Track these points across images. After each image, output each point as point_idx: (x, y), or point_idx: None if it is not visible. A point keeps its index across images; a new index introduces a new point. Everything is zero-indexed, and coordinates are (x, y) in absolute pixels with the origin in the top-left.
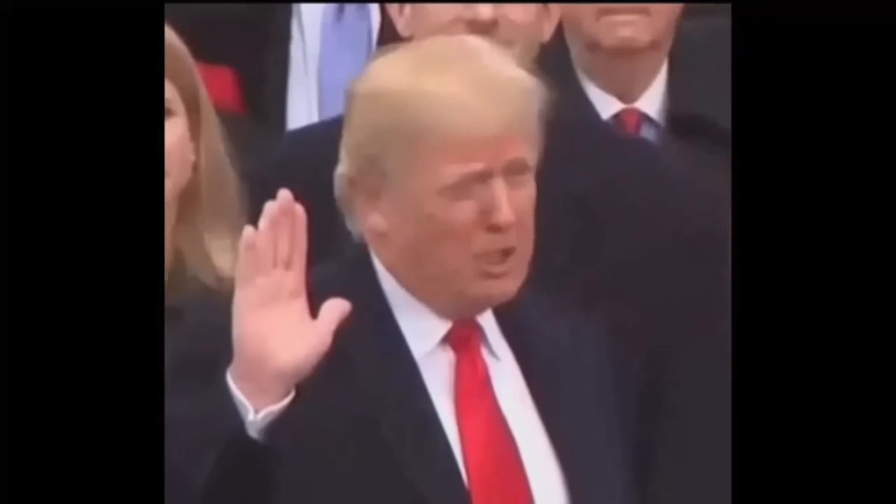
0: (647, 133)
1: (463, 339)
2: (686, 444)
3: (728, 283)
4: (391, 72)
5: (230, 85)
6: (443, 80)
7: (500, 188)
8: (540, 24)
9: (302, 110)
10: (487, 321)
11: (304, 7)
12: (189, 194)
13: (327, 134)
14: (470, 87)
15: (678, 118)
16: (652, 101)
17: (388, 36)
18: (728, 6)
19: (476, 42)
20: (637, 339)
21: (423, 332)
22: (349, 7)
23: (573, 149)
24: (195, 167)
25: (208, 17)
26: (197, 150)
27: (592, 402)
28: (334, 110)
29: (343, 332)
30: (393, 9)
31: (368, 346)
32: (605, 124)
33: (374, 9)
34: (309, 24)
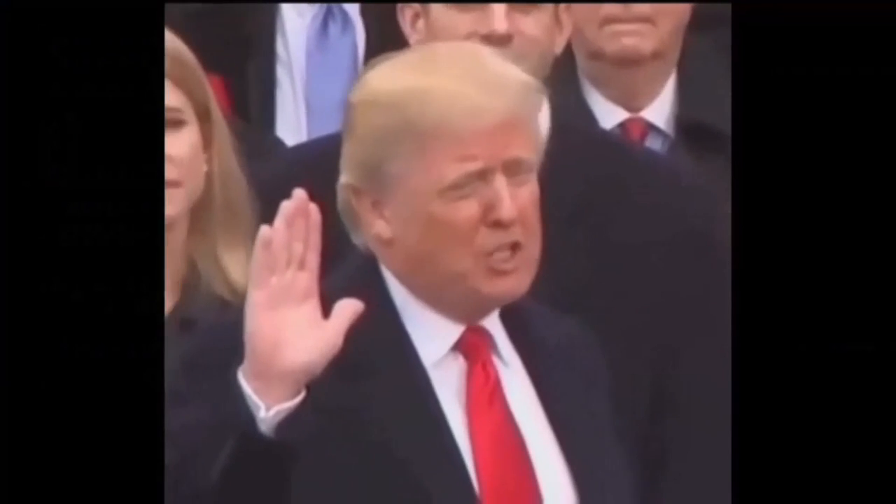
0: (653, 142)
1: (473, 347)
2: (689, 442)
3: (729, 283)
4: (388, 75)
5: (222, 94)
6: (441, 77)
7: (501, 185)
8: (552, 37)
9: (290, 128)
10: (496, 327)
11: (289, 25)
12: (202, 204)
13: (326, 150)
14: (468, 83)
15: (685, 127)
16: (658, 110)
17: (373, 52)
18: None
19: (473, 45)
20: (640, 340)
21: (433, 339)
22: (332, 25)
23: (574, 153)
24: (208, 177)
25: (198, 29)
26: (210, 160)
27: (600, 405)
28: (321, 126)
29: (354, 340)
30: (406, 23)
31: (379, 355)
32: (605, 131)
33: (359, 26)
34: (294, 41)
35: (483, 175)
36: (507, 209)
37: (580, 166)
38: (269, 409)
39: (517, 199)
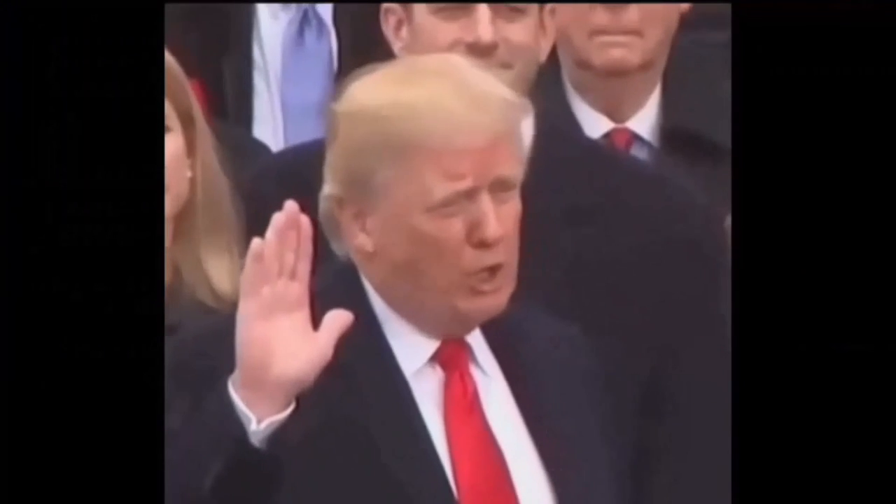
0: (639, 152)
1: (451, 357)
2: (686, 448)
3: (724, 287)
4: (374, 88)
5: (200, 97)
6: (427, 93)
7: (487, 204)
8: (538, 43)
9: (267, 132)
10: (475, 338)
11: (265, 30)
12: (186, 210)
13: (306, 156)
14: (455, 100)
15: (670, 137)
16: (643, 120)
17: (348, 58)
18: (725, 17)
19: (457, 59)
20: (634, 346)
21: (412, 350)
22: (308, 30)
23: (567, 161)
24: (192, 183)
25: (176, 33)
26: (193, 166)
27: (583, 414)
28: (298, 130)
29: (337, 349)
30: (389, 30)
31: (361, 364)
32: (594, 140)
33: (332, 31)
34: (269, 47)
35: (470, 194)
36: (492, 230)
37: (576, 171)
38: (260, 421)
39: (501, 216)
